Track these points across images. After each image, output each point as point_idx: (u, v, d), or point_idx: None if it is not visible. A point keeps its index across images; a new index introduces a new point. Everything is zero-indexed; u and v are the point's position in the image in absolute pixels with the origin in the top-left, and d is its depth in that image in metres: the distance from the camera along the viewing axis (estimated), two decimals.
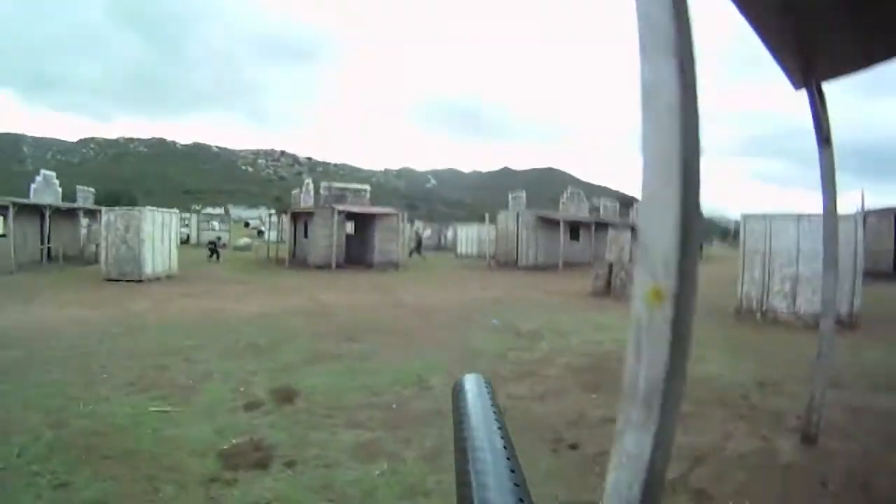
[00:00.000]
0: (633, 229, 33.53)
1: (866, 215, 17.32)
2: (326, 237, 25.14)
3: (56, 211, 26.26)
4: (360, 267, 25.53)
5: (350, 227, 27.81)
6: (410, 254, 33.50)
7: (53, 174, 29.36)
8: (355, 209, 25.50)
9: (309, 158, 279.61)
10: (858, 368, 8.74)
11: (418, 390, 6.87)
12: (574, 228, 31.30)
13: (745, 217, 14.15)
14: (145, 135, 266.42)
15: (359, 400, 6.42)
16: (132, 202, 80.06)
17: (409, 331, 10.97)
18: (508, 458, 0.52)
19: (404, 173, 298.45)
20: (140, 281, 19.35)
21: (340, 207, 25.00)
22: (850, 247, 12.39)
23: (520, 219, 29.01)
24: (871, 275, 18.75)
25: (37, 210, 25.26)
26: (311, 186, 28.66)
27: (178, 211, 23.74)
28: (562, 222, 28.35)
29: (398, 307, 14.39)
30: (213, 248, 29.56)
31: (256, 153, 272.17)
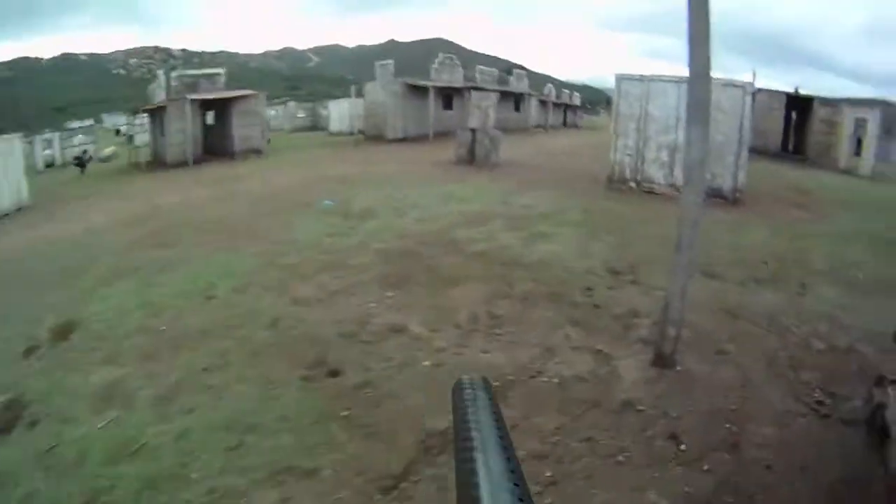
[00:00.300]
0: (506, 94, 34.23)
1: (757, 92, 17.09)
2: (180, 132, 24.14)
3: None
4: (221, 158, 24.56)
5: (210, 117, 26.59)
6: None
7: None
8: (208, 96, 24.29)
9: (183, 50, 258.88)
10: (738, 253, 7.50)
11: (200, 301, 6.30)
12: (447, 96, 30.69)
13: (620, 78, 13.22)
14: (5, 57, 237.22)
15: (134, 324, 5.83)
16: (26, 132, 73.17)
17: (233, 226, 10.16)
18: (508, 459, 0.52)
19: (285, 54, 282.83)
20: None
21: (191, 96, 23.85)
22: (736, 118, 11.91)
23: (386, 89, 28.34)
24: (760, 153, 19.27)
25: None
26: (163, 79, 26.93)
27: (20, 135, 22.09)
28: (431, 90, 27.81)
29: (235, 198, 13.58)
30: (80, 163, 28.05)
31: (127, 53, 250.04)
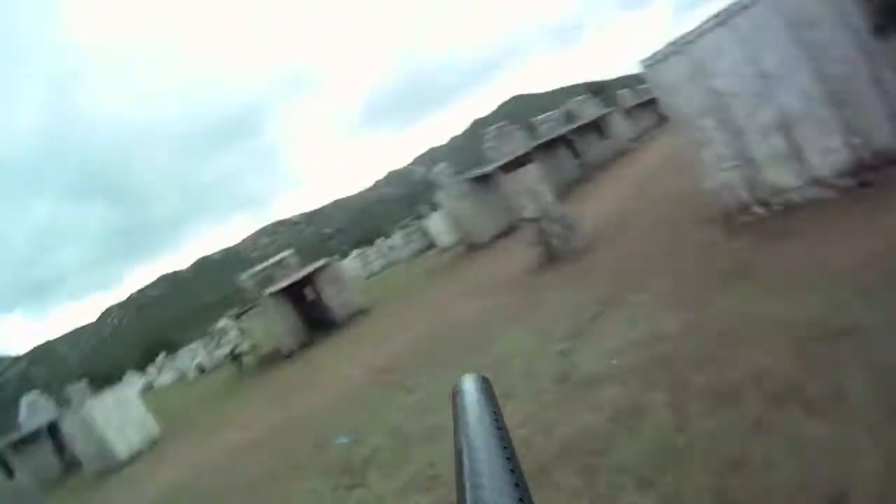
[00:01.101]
0: (582, 129, 32.15)
1: None
2: (279, 323, 25.07)
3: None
4: (329, 331, 25.00)
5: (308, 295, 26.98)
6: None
7: (38, 391, 30.94)
8: (282, 285, 24.93)
9: (302, 214, 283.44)
10: None
11: None
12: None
13: (648, 67, 9.36)
14: (151, 278, 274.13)
15: None
16: (173, 347, 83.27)
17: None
18: (508, 459, 0.53)
19: (392, 177, 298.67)
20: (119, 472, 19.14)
21: (267, 291, 24.72)
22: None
23: (451, 194, 27.38)
24: None
25: None
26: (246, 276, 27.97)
27: (133, 382, 24.46)
28: (494, 175, 24.88)
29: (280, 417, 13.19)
30: (235, 357, 30.11)
31: (255, 236, 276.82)
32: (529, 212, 14.38)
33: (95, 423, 20.46)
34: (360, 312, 25.53)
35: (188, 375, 48.18)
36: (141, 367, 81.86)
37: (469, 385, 0.67)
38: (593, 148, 30.89)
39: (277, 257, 27.83)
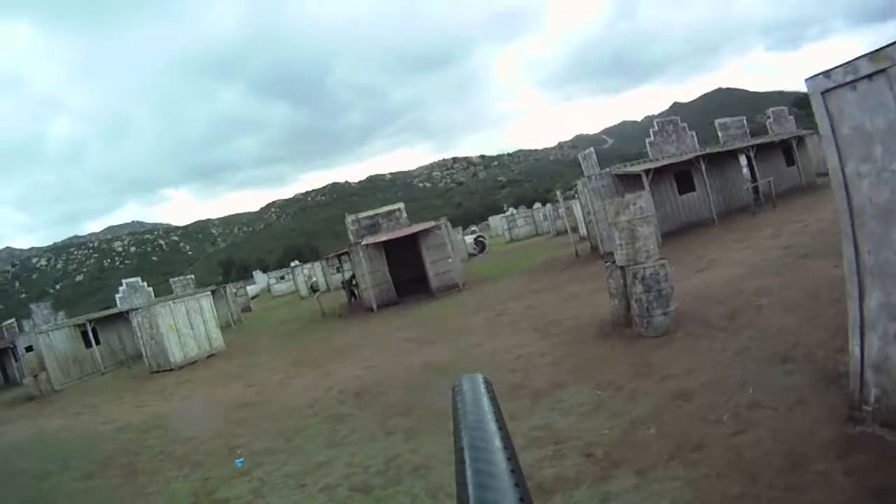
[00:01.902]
0: (766, 147, 26.94)
1: None
2: (370, 276, 24.77)
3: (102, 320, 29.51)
4: (417, 298, 24.38)
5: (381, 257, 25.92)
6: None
7: (138, 279, 33.62)
8: (381, 238, 24.15)
9: (482, 156, 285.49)
10: None
11: None
12: (683, 175, 24.31)
13: (825, 86, 4.86)
14: (320, 184, 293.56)
15: None
16: (314, 252, 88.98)
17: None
18: (508, 459, 0.53)
19: (578, 141, 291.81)
20: (171, 370, 21.39)
21: (364, 241, 24.23)
22: None
23: (588, 187, 24.35)
24: None
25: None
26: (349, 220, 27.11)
27: (209, 292, 25.57)
28: (643, 175, 21.48)
29: (327, 391, 11.50)
30: (314, 288, 30.68)
31: (430, 167, 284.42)
32: (621, 255, 10.93)
33: (159, 327, 21.45)
34: (452, 287, 24.46)
35: (301, 290, 50.23)
36: (276, 266, 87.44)
37: (470, 385, 0.69)
38: (773, 173, 25.71)
39: (387, 208, 27.03)
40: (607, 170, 24.40)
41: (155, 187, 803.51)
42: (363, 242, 24.22)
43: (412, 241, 24.93)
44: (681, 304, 10.41)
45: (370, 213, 26.92)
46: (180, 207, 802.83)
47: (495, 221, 72.63)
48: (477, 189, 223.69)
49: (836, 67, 4.67)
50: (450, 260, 25.22)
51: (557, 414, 7.19)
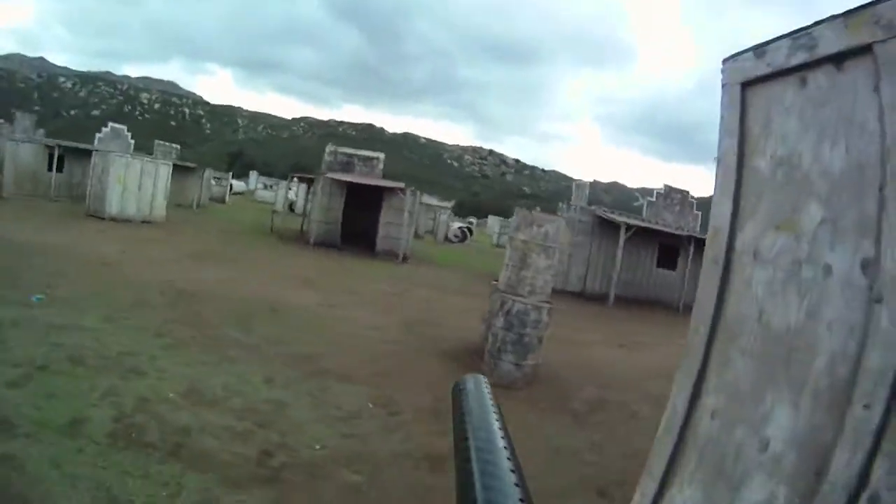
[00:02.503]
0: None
1: None
2: (322, 211, 24.74)
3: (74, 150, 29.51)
4: (359, 252, 24.00)
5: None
6: None
7: (125, 128, 33.65)
8: (345, 177, 24.09)
9: (517, 161, 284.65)
10: None
11: None
12: (668, 250, 23.66)
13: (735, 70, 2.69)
14: (357, 120, 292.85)
15: None
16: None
17: None
18: (509, 458, 0.53)
19: (613, 188, 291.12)
20: (102, 219, 21.57)
21: (331, 175, 24.18)
22: None
23: (564, 215, 22.62)
24: None
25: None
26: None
27: (170, 163, 25.69)
28: (623, 228, 20.97)
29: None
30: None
31: (464, 149, 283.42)
32: (502, 275, 9.70)
33: (108, 174, 21.67)
34: (394, 255, 24.42)
35: (277, 204, 50.22)
36: (279, 176, 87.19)
37: (471, 385, 0.68)
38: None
39: (367, 153, 27.16)
40: (593, 207, 24.29)
41: (203, 58, 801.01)
42: (329, 174, 24.26)
43: (378, 196, 24.88)
44: (554, 366, 9.28)
45: (349, 150, 26.94)
46: (218, 86, 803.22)
47: (492, 221, 72.49)
48: (498, 189, 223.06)
49: (771, 42, 2.49)
50: (403, 227, 25.11)
51: (310, 401, 6.60)
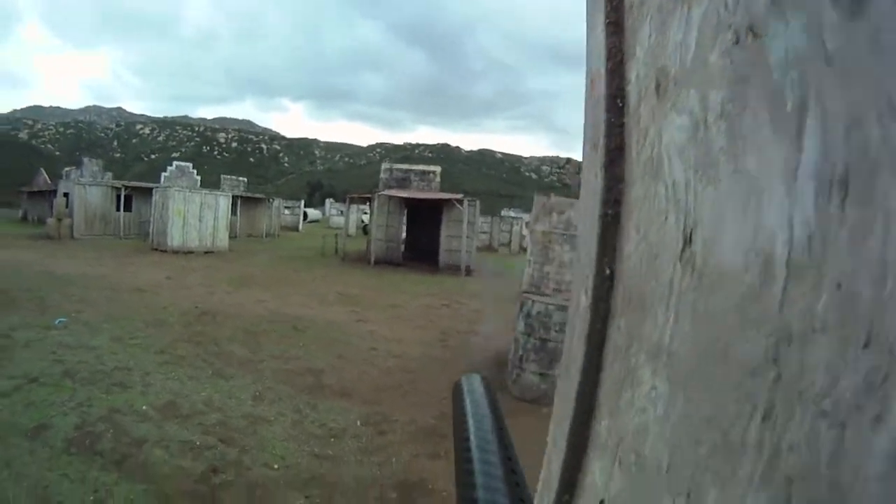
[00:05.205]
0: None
1: None
2: (381, 229, 24.80)
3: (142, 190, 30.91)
4: (424, 267, 23.96)
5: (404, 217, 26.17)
6: None
7: (189, 165, 35.24)
8: (402, 194, 24.02)
9: None
10: None
11: None
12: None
13: None
14: (431, 141, 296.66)
15: None
16: None
17: None
18: (509, 459, 0.55)
19: None
20: (164, 252, 22.45)
21: (387, 192, 24.17)
22: None
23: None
24: None
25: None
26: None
27: (230, 194, 26.59)
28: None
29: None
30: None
31: (542, 160, 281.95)
32: (526, 273, 9.72)
33: (168, 209, 22.61)
34: (457, 268, 23.95)
35: (350, 228, 51.13)
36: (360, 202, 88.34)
37: (470, 384, 0.68)
38: None
39: (423, 167, 26.99)
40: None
41: (274, 94, 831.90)
42: (384, 192, 24.24)
43: (437, 211, 24.66)
44: None
45: (405, 166, 27.01)
46: (292, 121, 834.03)
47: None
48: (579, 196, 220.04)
49: None
50: (462, 240, 24.38)
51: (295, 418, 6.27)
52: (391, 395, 7.34)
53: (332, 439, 5.78)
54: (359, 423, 6.28)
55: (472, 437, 0.56)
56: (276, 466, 5.02)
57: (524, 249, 42.87)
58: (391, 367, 8.70)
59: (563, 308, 7.38)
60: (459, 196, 24.80)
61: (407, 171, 26.59)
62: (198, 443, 5.23)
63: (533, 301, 7.80)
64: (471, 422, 0.59)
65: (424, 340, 10.71)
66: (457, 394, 0.68)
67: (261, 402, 6.51)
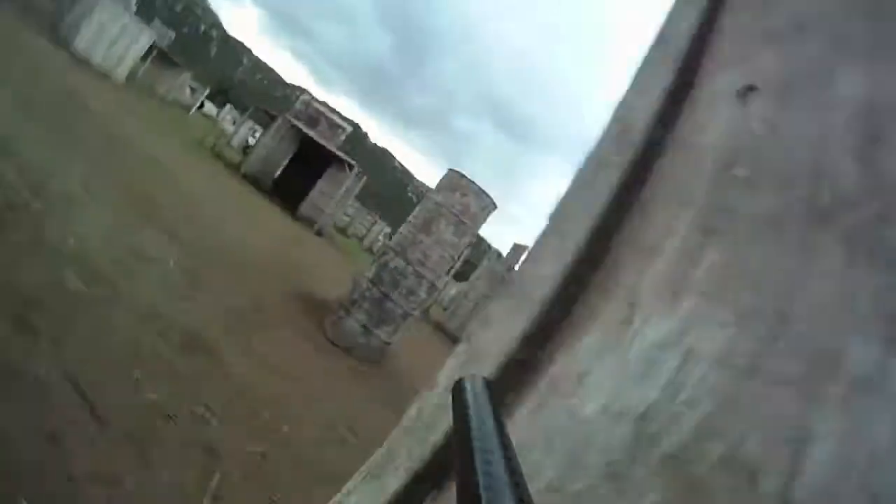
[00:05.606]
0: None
1: None
2: (265, 149, 24.83)
3: None
4: (283, 205, 23.82)
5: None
6: None
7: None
8: (299, 123, 24.01)
9: None
10: None
11: None
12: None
13: None
14: (347, 115, 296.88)
15: None
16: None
17: None
18: (509, 459, 0.48)
19: None
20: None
21: (295, 121, 24.24)
22: None
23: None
24: None
25: None
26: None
27: (154, 35, 26.99)
28: None
29: None
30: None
31: (430, 190, 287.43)
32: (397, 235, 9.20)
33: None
34: (315, 229, 24.13)
35: (235, 140, 49.97)
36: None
37: (470, 385, 0.58)
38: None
39: (340, 119, 26.71)
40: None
41: None
42: (290, 118, 24.38)
43: (326, 163, 24.77)
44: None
45: (323, 108, 26.52)
46: (242, 23, 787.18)
47: None
48: None
49: None
50: (332, 201, 24.91)
51: None
52: None
53: None
54: None
55: (471, 438, 0.50)
56: None
57: (373, 252, 43.82)
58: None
59: (422, 277, 7.89)
60: (353, 162, 25.00)
61: (321, 112, 26.12)
62: None
63: (396, 255, 7.98)
64: (470, 422, 0.53)
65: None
66: (456, 393, 0.60)
67: None
